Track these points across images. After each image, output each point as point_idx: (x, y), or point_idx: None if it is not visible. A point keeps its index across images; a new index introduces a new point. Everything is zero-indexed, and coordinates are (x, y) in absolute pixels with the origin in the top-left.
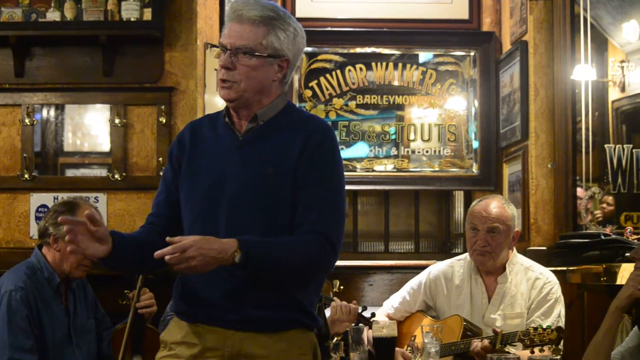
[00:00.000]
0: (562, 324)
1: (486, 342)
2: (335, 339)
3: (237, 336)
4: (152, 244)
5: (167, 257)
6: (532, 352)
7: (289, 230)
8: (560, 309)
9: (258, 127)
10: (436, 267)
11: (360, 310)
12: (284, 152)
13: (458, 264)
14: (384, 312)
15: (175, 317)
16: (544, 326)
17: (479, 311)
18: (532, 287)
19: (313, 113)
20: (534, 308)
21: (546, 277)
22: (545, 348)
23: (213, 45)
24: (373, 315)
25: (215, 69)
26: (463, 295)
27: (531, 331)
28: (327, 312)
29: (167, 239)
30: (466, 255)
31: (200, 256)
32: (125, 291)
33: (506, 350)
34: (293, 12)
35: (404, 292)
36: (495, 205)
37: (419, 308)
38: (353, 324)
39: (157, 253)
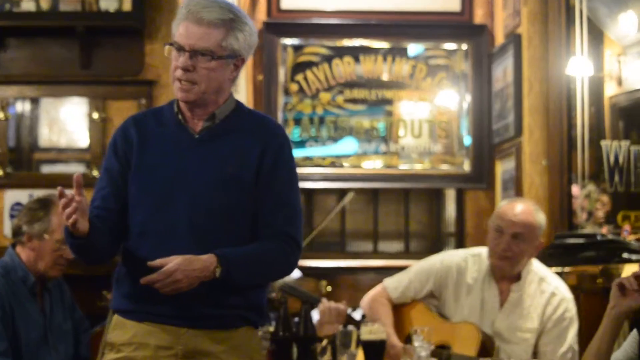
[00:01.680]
0: (576, 345)
1: None
2: (324, 341)
3: (190, 334)
4: (108, 238)
5: (154, 284)
6: None
7: (249, 227)
8: (575, 328)
9: (214, 125)
10: (449, 256)
11: (349, 311)
12: (243, 152)
13: (472, 260)
14: (383, 294)
15: (118, 316)
16: None
17: (489, 317)
18: (548, 304)
19: (300, 108)
20: (550, 327)
21: (562, 294)
22: None
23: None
24: (364, 317)
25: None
26: (473, 296)
27: None
28: (315, 314)
29: (149, 263)
30: (481, 251)
31: (185, 278)
32: (103, 292)
33: None
34: (278, 3)
35: (410, 275)
36: (525, 210)
37: (424, 296)
38: (341, 326)
39: (144, 280)
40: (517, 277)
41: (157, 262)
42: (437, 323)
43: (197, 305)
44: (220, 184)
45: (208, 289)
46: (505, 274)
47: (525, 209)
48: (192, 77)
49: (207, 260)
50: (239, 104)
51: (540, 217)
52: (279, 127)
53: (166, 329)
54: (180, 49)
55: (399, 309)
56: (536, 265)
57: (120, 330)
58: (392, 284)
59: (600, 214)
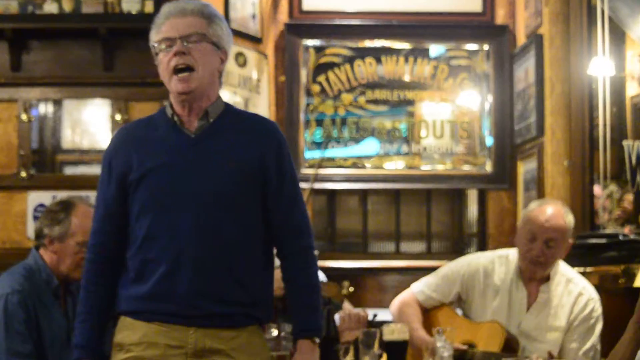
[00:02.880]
0: (598, 344)
1: None
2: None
3: (199, 333)
4: (108, 307)
5: None
6: None
7: (255, 219)
8: (600, 328)
9: (208, 125)
10: (476, 259)
11: (370, 318)
12: (241, 148)
13: (499, 261)
14: (411, 298)
15: (126, 318)
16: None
17: (516, 318)
18: (575, 303)
19: (321, 109)
20: (576, 325)
21: (589, 293)
22: None
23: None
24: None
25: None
26: (500, 298)
27: None
28: (337, 317)
29: None
30: (508, 253)
31: None
32: None
33: None
34: (300, 4)
35: (437, 279)
36: (556, 214)
37: (452, 299)
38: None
39: None
40: (546, 279)
41: None
42: (463, 323)
43: (205, 304)
44: (221, 181)
45: (213, 284)
46: (536, 276)
47: (555, 212)
48: (188, 60)
49: (312, 351)
50: (227, 105)
51: (570, 219)
52: (272, 124)
53: (175, 328)
54: (170, 41)
55: (426, 313)
56: (562, 266)
57: (128, 331)
58: (420, 288)
59: (622, 214)
